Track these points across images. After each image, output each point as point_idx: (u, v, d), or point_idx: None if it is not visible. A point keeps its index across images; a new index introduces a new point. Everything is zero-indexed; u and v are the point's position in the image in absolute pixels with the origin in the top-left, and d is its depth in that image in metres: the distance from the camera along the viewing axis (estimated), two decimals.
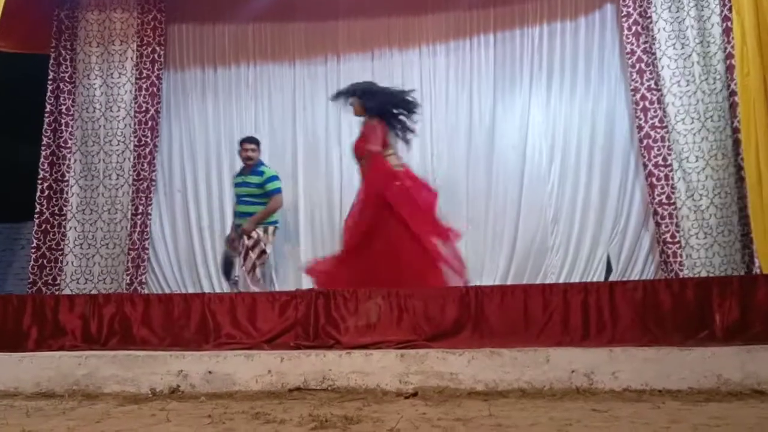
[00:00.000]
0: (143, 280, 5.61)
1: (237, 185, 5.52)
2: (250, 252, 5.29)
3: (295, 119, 6.06)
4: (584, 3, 5.77)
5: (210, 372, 3.53)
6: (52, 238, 5.66)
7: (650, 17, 5.24)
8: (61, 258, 5.65)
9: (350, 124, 5.98)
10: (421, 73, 5.97)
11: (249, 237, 5.29)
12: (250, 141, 5.51)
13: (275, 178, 5.43)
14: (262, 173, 5.41)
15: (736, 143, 4.89)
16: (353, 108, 4.86)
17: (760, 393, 3.07)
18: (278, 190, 5.42)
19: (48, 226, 5.66)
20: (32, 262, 5.58)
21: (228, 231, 5.60)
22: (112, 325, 4.02)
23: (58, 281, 5.60)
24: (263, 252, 5.31)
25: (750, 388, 3.12)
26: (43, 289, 5.53)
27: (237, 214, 5.47)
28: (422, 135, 5.80)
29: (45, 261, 5.61)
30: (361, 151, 4.75)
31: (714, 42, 5.10)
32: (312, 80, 6.13)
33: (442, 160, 5.85)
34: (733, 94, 4.93)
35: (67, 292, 5.47)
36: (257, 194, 5.39)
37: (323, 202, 5.95)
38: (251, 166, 5.43)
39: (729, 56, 4.95)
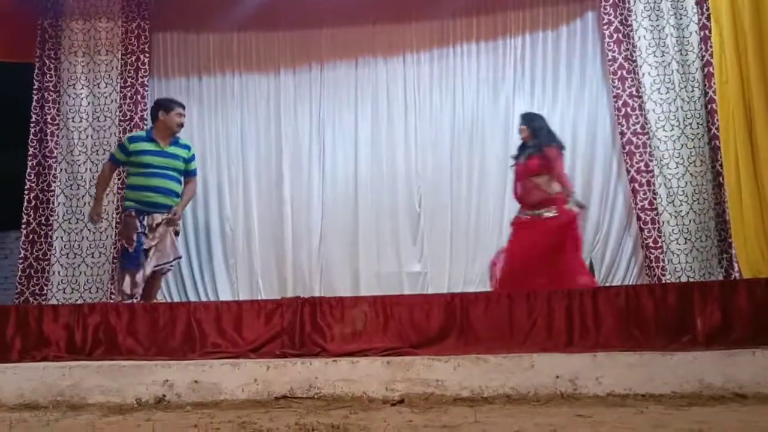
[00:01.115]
0: None
1: (152, 153, 4.67)
2: (170, 247, 4.73)
3: (280, 127, 6.07)
4: (566, 12, 5.84)
5: (196, 381, 3.53)
6: (39, 248, 5.63)
7: (631, 25, 5.32)
8: (47, 268, 5.62)
9: (334, 132, 6.03)
10: (405, 81, 6.01)
11: (176, 225, 4.73)
12: (183, 106, 4.91)
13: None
14: (188, 147, 4.87)
15: (714, 150, 4.98)
16: (521, 130, 4.79)
17: (741, 397, 3.11)
18: (196, 172, 4.96)
19: (35, 237, 5.63)
20: (20, 273, 5.55)
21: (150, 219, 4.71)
22: (97, 335, 4.00)
23: (45, 291, 5.57)
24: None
25: (731, 392, 3.16)
26: (31, 299, 5.50)
27: (153, 189, 4.65)
28: (406, 143, 5.83)
29: (32, 271, 5.58)
30: (533, 171, 4.63)
31: (692, 50, 5.19)
32: (297, 88, 6.15)
33: (426, 168, 5.87)
34: (710, 101, 5.01)
35: (53, 302, 5.44)
36: (180, 170, 4.78)
37: (307, 210, 5.95)
38: (174, 135, 4.78)
39: (707, 64, 5.04)
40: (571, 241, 4.56)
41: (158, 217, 4.67)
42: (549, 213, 4.57)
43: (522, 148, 4.80)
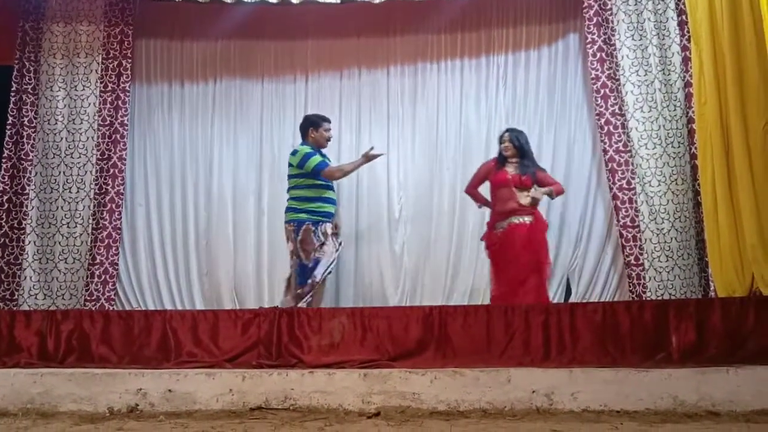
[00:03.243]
0: (111, 297, 5.50)
1: (326, 166, 4.99)
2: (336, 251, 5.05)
3: (261, 137, 6.05)
4: (548, 32, 5.90)
5: (170, 390, 3.49)
6: (11, 252, 5.54)
7: (614, 44, 5.38)
8: (19, 273, 5.53)
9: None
10: (389, 93, 6.02)
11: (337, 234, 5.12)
12: (330, 121, 5.23)
13: None
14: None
15: (694, 169, 5.05)
16: (506, 147, 4.98)
17: (714, 414, 3.15)
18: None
19: (7, 240, 5.53)
20: None
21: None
22: (70, 342, 3.95)
23: (16, 297, 5.46)
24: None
25: (705, 409, 3.20)
26: (1, 304, 5.40)
27: (328, 201, 5.02)
28: (388, 156, 5.84)
29: (3, 275, 5.48)
30: (521, 185, 4.85)
31: (674, 70, 5.27)
32: (280, 98, 6.13)
33: (408, 181, 5.88)
34: (691, 121, 5.08)
35: (25, 307, 5.34)
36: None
37: None
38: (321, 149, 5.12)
39: (688, 84, 5.12)
40: (542, 251, 4.83)
41: (329, 227, 5.01)
42: (522, 219, 4.81)
43: (503, 159, 5.00)
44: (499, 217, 4.89)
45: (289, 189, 5.06)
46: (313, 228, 4.88)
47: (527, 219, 4.80)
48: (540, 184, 4.86)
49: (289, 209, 5.00)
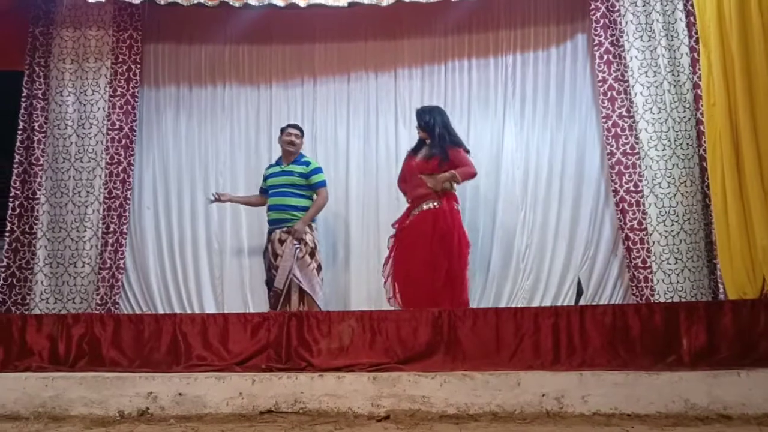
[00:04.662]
0: (116, 300, 5.53)
1: (273, 176, 5.23)
2: (310, 261, 5.05)
3: (271, 141, 6.05)
4: (556, 33, 5.89)
5: (180, 394, 3.50)
6: (22, 257, 5.57)
7: (622, 46, 5.36)
8: (30, 277, 5.56)
9: (325, 146, 6.03)
10: (396, 96, 6.02)
11: (301, 241, 5.02)
12: (295, 126, 5.36)
13: (321, 169, 5.26)
14: (307, 163, 5.23)
15: (703, 171, 5.03)
16: (417, 130, 4.96)
17: (726, 417, 3.13)
18: (324, 183, 5.22)
19: (18, 245, 5.57)
20: (2, 282, 5.47)
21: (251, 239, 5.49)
22: (81, 345, 3.97)
23: (27, 301, 5.50)
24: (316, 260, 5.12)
25: (716, 412, 3.18)
26: (13, 308, 5.43)
27: (274, 208, 5.16)
28: (397, 157, 5.85)
29: (14, 280, 5.52)
30: (428, 171, 4.77)
31: (683, 71, 5.24)
32: (288, 102, 6.15)
33: None
34: (699, 122, 5.06)
35: (36, 311, 5.37)
36: (301, 185, 5.16)
37: None
38: (292, 154, 5.23)
39: (696, 86, 5.10)
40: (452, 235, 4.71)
41: (279, 234, 5.09)
42: (432, 204, 4.75)
43: (421, 143, 4.94)
44: (413, 205, 4.86)
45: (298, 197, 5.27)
46: (269, 236, 5.17)
47: (436, 204, 4.73)
48: (452, 164, 4.74)
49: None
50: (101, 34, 5.89)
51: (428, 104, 5.34)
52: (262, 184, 5.39)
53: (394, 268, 4.90)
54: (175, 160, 6.09)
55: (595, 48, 5.43)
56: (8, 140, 5.84)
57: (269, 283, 5.15)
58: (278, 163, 5.33)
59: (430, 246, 4.66)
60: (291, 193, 5.14)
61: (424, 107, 5.08)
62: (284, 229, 5.07)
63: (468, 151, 4.93)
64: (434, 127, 4.84)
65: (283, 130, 5.35)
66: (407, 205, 5.01)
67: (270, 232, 5.18)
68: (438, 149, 4.78)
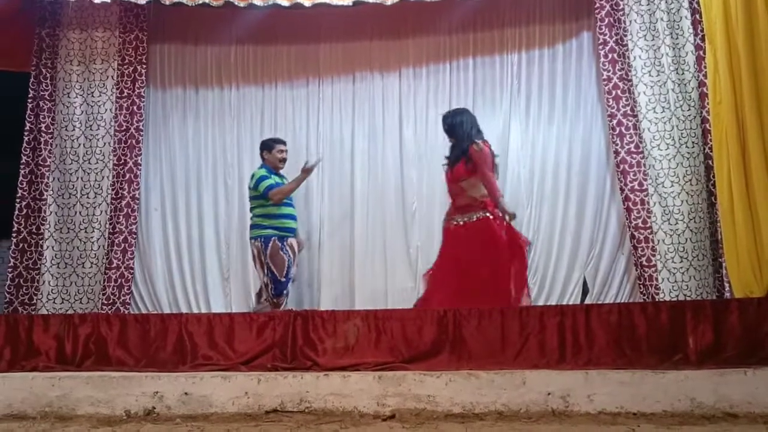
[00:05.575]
0: (126, 300, 5.55)
1: (280, 185, 5.29)
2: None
3: None
4: (562, 31, 5.87)
5: (186, 393, 3.51)
6: (29, 258, 5.61)
7: (626, 45, 5.35)
8: (37, 277, 5.59)
9: (331, 146, 6.04)
10: (401, 95, 6.02)
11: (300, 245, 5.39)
12: (284, 143, 5.46)
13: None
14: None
15: (708, 169, 5.01)
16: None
17: (732, 416, 3.12)
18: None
19: (25, 245, 5.60)
20: (9, 282, 5.51)
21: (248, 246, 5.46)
22: (87, 345, 3.98)
23: (34, 301, 5.53)
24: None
25: (722, 411, 3.17)
26: (20, 309, 5.46)
27: (291, 217, 5.31)
28: (402, 156, 5.85)
29: (22, 280, 5.55)
30: (461, 177, 4.57)
31: (688, 70, 5.23)
32: (294, 102, 6.16)
33: (421, 183, 5.88)
34: (705, 121, 5.04)
35: (43, 311, 5.40)
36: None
37: (302, 224, 5.93)
38: (278, 170, 5.38)
39: (702, 84, 5.08)
40: (508, 249, 4.49)
41: (294, 242, 5.32)
42: (480, 214, 4.53)
43: (450, 149, 4.77)
44: (461, 213, 4.63)
45: (251, 208, 5.34)
46: (280, 243, 5.15)
47: (486, 214, 4.52)
48: (474, 163, 4.50)
49: (254, 226, 5.27)
50: (107, 35, 5.92)
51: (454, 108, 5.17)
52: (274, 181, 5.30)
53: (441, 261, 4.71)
54: (182, 160, 6.12)
55: (600, 47, 5.42)
56: (11, 142, 5.87)
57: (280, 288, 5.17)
58: (276, 174, 5.35)
59: (487, 259, 4.44)
60: (292, 204, 5.38)
61: (448, 111, 4.95)
62: (297, 239, 5.38)
63: (485, 141, 4.68)
64: (454, 129, 4.71)
65: (271, 146, 5.38)
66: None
67: (283, 239, 5.20)
68: (458, 150, 4.63)
